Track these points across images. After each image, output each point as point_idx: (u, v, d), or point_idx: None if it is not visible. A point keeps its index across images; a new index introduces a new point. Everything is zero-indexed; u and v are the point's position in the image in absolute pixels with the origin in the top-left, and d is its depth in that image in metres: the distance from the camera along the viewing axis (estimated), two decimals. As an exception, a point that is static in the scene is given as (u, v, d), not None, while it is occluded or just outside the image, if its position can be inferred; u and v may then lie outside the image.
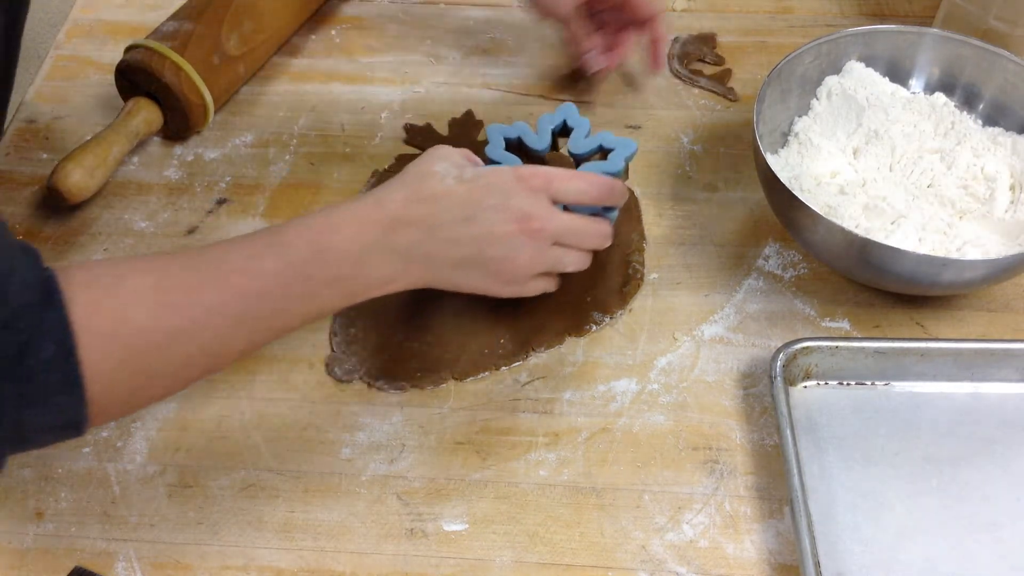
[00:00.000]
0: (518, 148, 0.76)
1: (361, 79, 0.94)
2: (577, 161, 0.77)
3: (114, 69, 0.85)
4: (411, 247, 0.61)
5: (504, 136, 0.75)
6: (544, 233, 0.63)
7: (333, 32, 0.98)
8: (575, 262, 0.67)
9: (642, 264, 0.78)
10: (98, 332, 0.52)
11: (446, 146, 0.65)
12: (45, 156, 0.87)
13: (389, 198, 0.61)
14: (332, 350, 0.74)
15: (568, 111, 0.77)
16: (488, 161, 0.74)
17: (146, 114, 0.85)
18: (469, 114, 0.89)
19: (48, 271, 0.52)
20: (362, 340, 0.74)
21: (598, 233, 0.67)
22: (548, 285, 0.68)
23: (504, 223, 0.62)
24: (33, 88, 0.94)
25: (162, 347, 0.54)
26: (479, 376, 0.72)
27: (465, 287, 0.65)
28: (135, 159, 0.87)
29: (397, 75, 0.94)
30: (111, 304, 0.53)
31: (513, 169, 0.64)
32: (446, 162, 0.63)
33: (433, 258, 0.62)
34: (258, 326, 0.58)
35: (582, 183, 0.66)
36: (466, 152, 0.66)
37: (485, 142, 0.86)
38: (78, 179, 0.79)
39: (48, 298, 0.51)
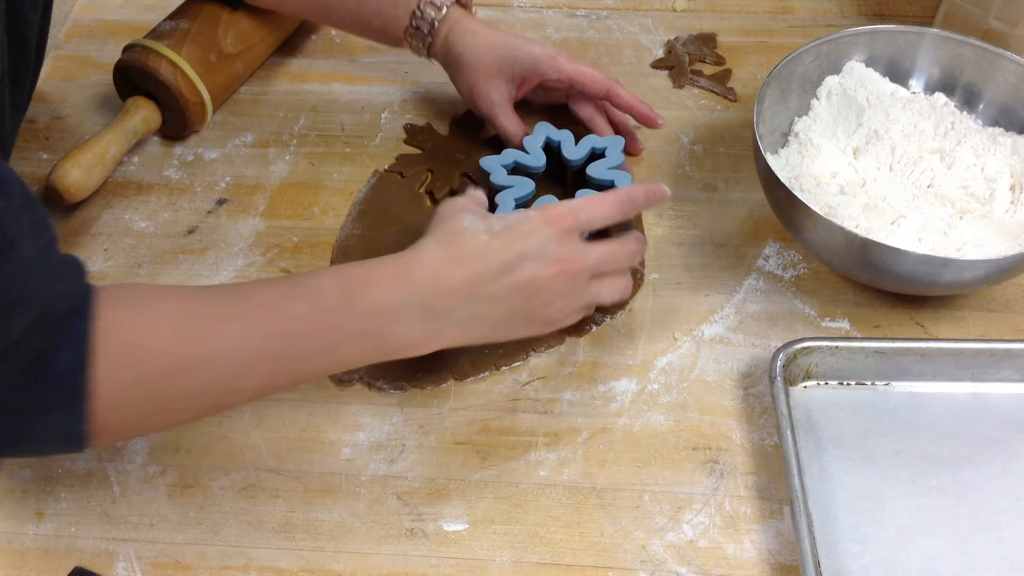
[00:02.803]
0: (516, 171, 0.78)
1: (361, 79, 0.94)
2: (578, 167, 0.79)
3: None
4: (452, 311, 0.60)
5: (501, 164, 0.78)
6: (583, 272, 0.63)
7: (333, 32, 0.98)
8: (612, 292, 0.66)
9: (642, 264, 0.78)
10: (116, 350, 0.52)
11: (458, 198, 0.65)
12: (45, 156, 0.87)
13: (428, 257, 0.60)
14: (332, 350, 0.74)
15: (545, 128, 0.80)
16: (493, 189, 0.76)
17: (144, 113, 0.85)
18: (469, 114, 0.89)
19: (87, 287, 0.53)
20: (362, 340, 0.73)
21: (629, 252, 0.66)
22: (586, 313, 0.68)
23: (543, 269, 0.61)
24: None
25: (176, 374, 0.55)
26: (479, 376, 0.72)
27: (504, 339, 0.65)
28: (135, 159, 0.87)
29: (397, 75, 0.94)
30: (134, 324, 0.54)
31: (540, 213, 0.63)
32: (469, 214, 0.62)
33: (475, 319, 0.61)
34: (275, 368, 0.58)
35: (606, 208, 0.65)
36: (477, 197, 0.66)
37: (486, 143, 0.87)
38: (76, 178, 0.79)
39: (77, 311, 0.52)
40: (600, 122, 0.84)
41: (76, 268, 0.53)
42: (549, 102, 0.86)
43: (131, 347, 0.53)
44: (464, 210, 0.63)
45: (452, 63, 0.82)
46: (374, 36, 0.85)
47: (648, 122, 0.82)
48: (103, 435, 0.54)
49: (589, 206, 0.64)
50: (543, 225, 0.62)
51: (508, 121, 0.82)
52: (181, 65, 0.84)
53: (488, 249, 0.60)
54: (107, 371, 0.52)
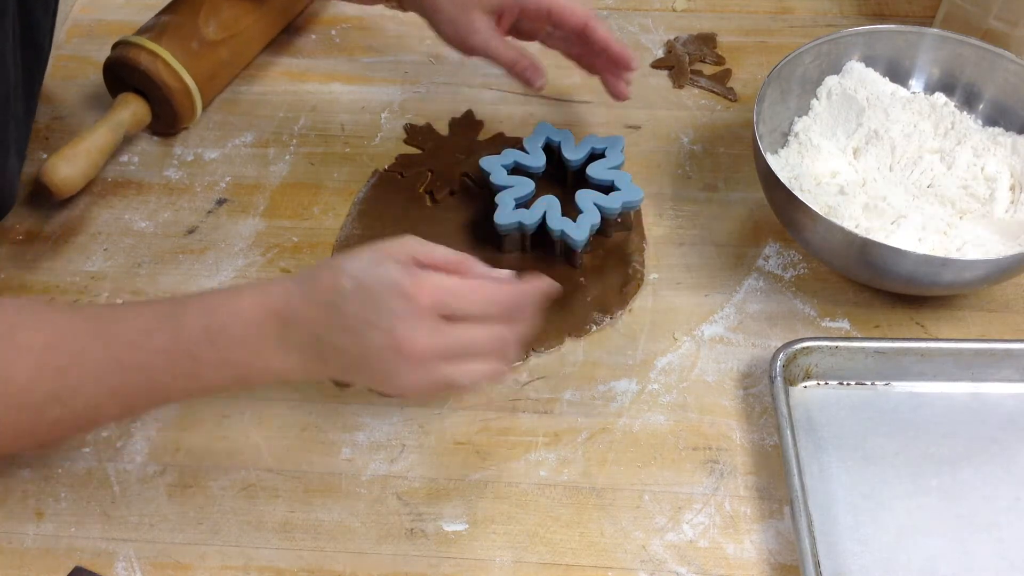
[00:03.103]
0: (516, 171, 0.79)
1: (361, 79, 0.94)
2: (578, 167, 0.79)
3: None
4: (305, 346, 0.58)
5: (501, 164, 0.78)
6: (422, 356, 0.56)
7: (333, 32, 0.98)
8: (470, 377, 0.58)
9: (642, 264, 0.78)
10: None
11: (399, 242, 0.59)
12: (45, 156, 0.87)
13: (292, 291, 0.58)
14: (332, 350, 0.73)
15: (545, 128, 0.81)
16: (493, 189, 0.77)
17: (132, 107, 0.85)
18: (469, 114, 0.89)
19: None
20: (362, 340, 0.73)
21: (499, 340, 0.59)
22: (448, 391, 0.64)
23: (378, 342, 0.56)
24: (33, 88, 0.94)
25: (35, 408, 0.56)
26: (479, 376, 0.72)
27: (367, 385, 0.63)
28: (135, 159, 0.87)
29: (397, 75, 0.94)
30: None
31: (413, 280, 0.56)
32: (366, 258, 0.58)
33: (327, 359, 0.58)
34: (135, 398, 0.59)
35: (481, 298, 0.58)
36: (414, 249, 0.59)
37: (486, 143, 0.87)
38: (65, 174, 0.79)
39: None
40: (588, 61, 0.81)
41: None
42: (531, 40, 0.82)
43: None
44: (371, 248, 0.59)
45: (428, 6, 0.79)
46: None
47: (622, 63, 0.78)
48: None
49: (461, 290, 0.58)
50: (396, 296, 0.56)
51: (507, 49, 0.78)
52: (160, 54, 0.84)
53: (338, 301, 0.57)
54: None
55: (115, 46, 0.86)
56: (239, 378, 0.59)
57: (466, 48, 0.79)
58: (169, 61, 0.84)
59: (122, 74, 0.85)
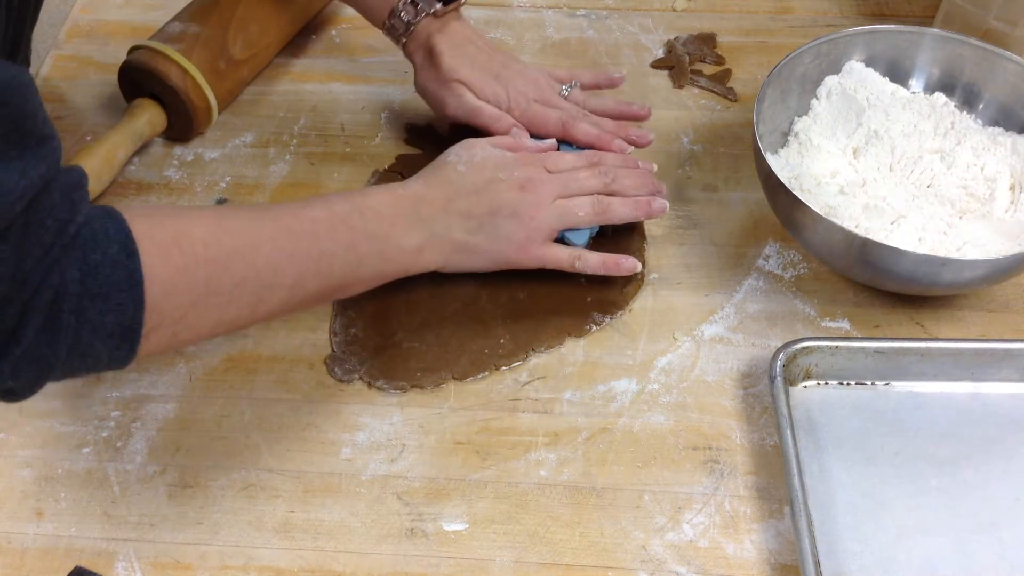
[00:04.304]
0: None
1: (361, 79, 0.94)
2: None
3: (117, 69, 0.85)
4: (432, 219, 0.69)
5: None
6: (543, 189, 0.72)
7: (333, 32, 0.98)
8: (585, 207, 0.73)
9: (642, 264, 0.78)
10: (159, 241, 0.55)
11: (478, 139, 0.74)
12: (45, 156, 0.87)
13: (413, 183, 0.71)
14: (332, 350, 0.74)
15: None
16: None
17: (150, 116, 0.85)
18: (469, 114, 0.89)
19: (108, 206, 0.55)
20: (362, 340, 0.74)
21: (588, 172, 0.74)
22: (560, 255, 0.72)
23: (508, 190, 0.71)
24: (33, 88, 0.93)
25: (220, 262, 0.57)
26: (479, 376, 0.72)
27: (485, 256, 0.71)
28: (136, 159, 0.87)
29: (397, 75, 0.93)
30: (172, 223, 0.57)
31: (507, 151, 0.74)
32: (459, 148, 0.73)
33: (451, 229, 0.70)
34: (306, 266, 0.62)
35: (572, 156, 0.76)
36: (501, 141, 0.75)
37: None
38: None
39: (110, 214, 0.53)
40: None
41: (82, 176, 0.54)
42: None
43: (174, 238, 0.55)
44: (460, 145, 0.74)
45: (417, 65, 0.83)
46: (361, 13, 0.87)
47: (614, 149, 0.79)
48: (155, 331, 0.54)
49: (563, 155, 0.76)
50: (512, 160, 0.73)
51: (486, 106, 0.81)
52: (191, 71, 0.83)
53: (461, 175, 0.71)
54: (155, 258, 0.53)
55: (136, 49, 0.85)
56: (383, 254, 0.67)
57: (443, 115, 0.83)
58: (198, 80, 0.84)
59: (141, 79, 0.84)
